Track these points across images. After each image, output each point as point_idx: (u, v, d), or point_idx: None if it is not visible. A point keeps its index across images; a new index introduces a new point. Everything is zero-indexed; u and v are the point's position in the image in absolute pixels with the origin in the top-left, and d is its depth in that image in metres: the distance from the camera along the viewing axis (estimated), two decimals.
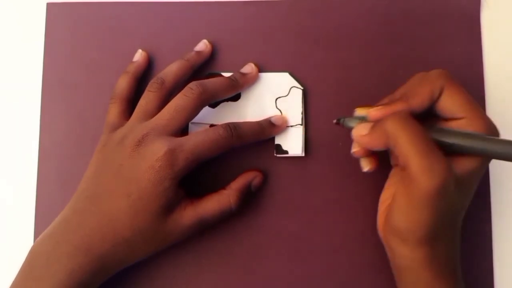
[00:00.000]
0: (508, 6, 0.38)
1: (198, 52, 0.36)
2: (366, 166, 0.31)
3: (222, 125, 0.32)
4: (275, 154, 0.36)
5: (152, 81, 0.34)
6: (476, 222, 0.35)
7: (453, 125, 0.29)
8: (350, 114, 0.32)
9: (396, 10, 0.37)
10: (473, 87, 0.36)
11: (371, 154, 0.31)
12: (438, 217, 0.27)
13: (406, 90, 0.30)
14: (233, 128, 0.32)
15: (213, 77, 0.35)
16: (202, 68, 0.37)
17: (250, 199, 0.35)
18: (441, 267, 0.28)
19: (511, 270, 0.35)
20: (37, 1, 0.38)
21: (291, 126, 0.36)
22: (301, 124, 0.36)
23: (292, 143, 0.35)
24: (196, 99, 0.32)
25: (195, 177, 0.34)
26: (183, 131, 0.34)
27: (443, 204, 0.26)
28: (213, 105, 0.36)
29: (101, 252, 0.30)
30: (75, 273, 0.29)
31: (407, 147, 0.26)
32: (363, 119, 0.30)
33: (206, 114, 0.36)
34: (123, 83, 0.35)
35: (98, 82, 0.37)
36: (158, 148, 0.30)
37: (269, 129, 0.35)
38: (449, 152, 0.28)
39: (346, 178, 0.36)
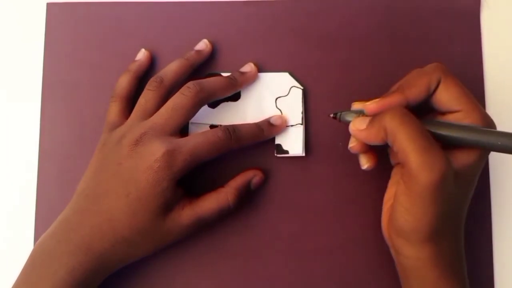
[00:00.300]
0: (508, 6, 0.38)
1: (198, 51, 0.36)
2: (365, 163, 0.31)
3: (221, 128, 0.32)
4: (275, 154, 0.35)
5: (151, 79, 0.34)
6: (476, 222, 0.35)
7: (450, 118, 0.29)
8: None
9: (396, 10, 0.37)
10: (473, 87, 0.36)
11: (369, 150, 0.31)
12: (439, 213, 0.27)
13: (403, 83, 0.30)
14: (232, 131, 0.32)
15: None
16: (202, 68, 0.37)
17: (248, 197, 0.35)
18: (446, 266, 0.28)
19: (511, 270, 0.35)
20: (37, 1, 0.38)
21: (291, 126, 0.36)
22: (302, 124, 0.36)
23: (293, 143, 0.35)
24: (193, 97, 0.32)
25: (194, 176, 0.34)
26: (183, 131, 0.34)
27: (443, 198, 0.26)
28: (213, 105, 0.36)
29: (101, 251, 0.30)
30: (75, 271, 0.29)
31: (406, 143, 0.26)
32: (360, 113, 0.30)
33: (206, 114, 0.36)
34: (124, 82, 0.35)
35: (98, 82, 0.37)
36: (157, 149, 0.30)
37: (268, 130, 0.35)
38: (446, 145, 0.28)
39: (346, 178, 0.36)
